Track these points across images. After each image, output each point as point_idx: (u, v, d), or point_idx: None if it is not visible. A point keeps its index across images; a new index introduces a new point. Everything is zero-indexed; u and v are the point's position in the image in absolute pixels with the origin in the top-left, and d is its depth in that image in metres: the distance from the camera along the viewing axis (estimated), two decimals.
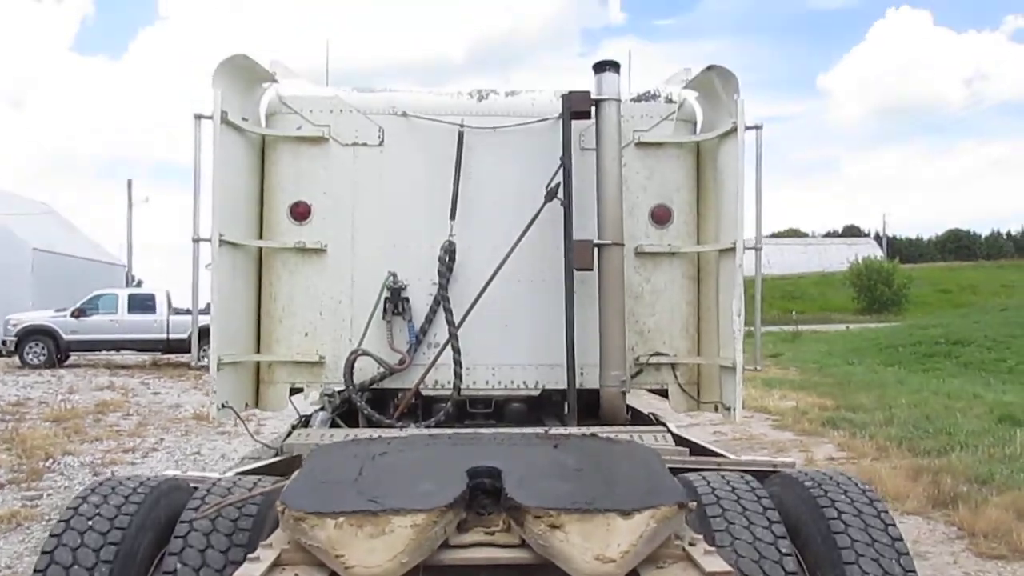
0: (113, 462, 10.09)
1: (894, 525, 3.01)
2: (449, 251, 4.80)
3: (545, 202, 4.76)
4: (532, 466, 2.81)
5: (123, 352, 24.87)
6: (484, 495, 2.65)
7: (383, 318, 4.84)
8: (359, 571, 2.28)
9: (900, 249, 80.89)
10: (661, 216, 5.03)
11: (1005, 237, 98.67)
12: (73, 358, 24.31)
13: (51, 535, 2.91)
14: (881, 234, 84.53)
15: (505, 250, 4.72)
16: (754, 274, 4.77)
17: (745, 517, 2.94)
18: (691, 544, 2.52)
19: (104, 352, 24.63)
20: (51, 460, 10.05)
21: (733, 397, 4.59)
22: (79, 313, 23.63)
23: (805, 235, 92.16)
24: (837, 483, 3.18)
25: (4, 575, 6.06)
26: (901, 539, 2.95)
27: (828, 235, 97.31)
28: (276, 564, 2.39)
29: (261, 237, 4.94)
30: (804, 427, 12.30)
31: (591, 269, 4.72)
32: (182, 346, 23.31)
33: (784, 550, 2.86)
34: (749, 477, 3.20)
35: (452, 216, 4.84)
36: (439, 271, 4.77)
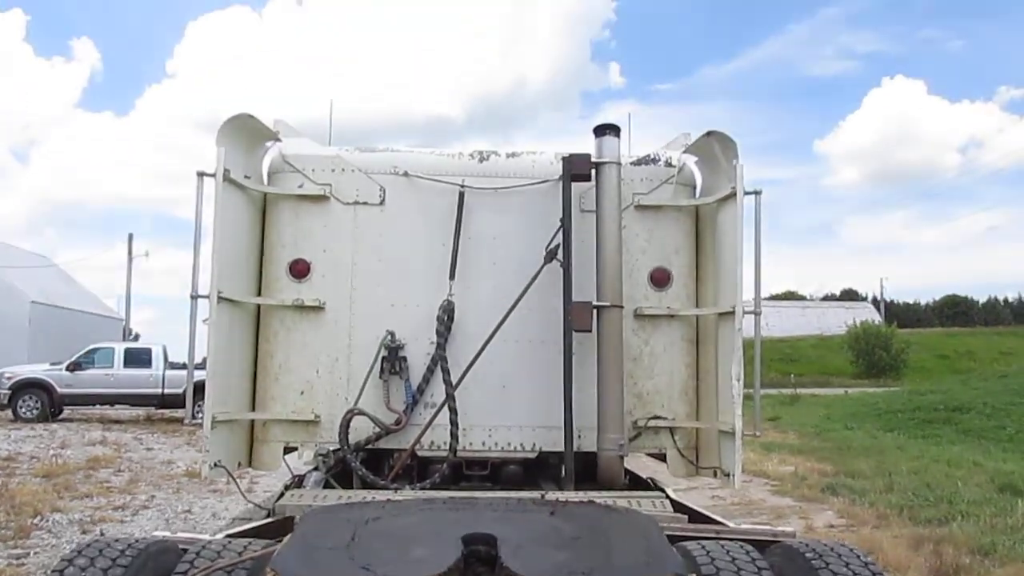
0: (103, 519, 9.90)
1: None
2: (448, 311, 4.80)
3: (544, 263, 4.78)
4: (529, 534, 2.77)
5: (117, 407, 24.69)
6: (479, 563, 2.60)
7: (380, 377, 4.81)
8: None
9: (897, 313, 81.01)
10: (660, 279, 5.05)
11: (1002, 303, 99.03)
12: (67, 412, 24.11)
13: None
14: (879, 298, 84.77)
15: (504, 311, 4.72)
16: (753, 337, 4.76)
17: None
18: None
19: (98, 406, 24.45)
20: (40, 517, 9.88)
21: (732, 463, 4.53)
22: (74, 367, 23.53)
23: (803, 298, 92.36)
24: (839, 555, 3.12)
25: None
26: None
27: (826, 298, 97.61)
28: None
29: (260, 294, 4.94)
30: (803, 493, 12.13)
31: (590, 331, 4.72)
32: (177, 401, 23.14)
33: None
34: (749, 547, 3.14)
35: (451, 276, 4.85)
36: (437, 330, 4.76)
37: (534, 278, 4.77)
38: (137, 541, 3.14)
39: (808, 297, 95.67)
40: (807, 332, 66.22)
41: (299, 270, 4.92)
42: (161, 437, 19.81)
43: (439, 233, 4.93)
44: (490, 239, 4.98)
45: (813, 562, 3.07)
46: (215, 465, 4.48)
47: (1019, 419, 21.00)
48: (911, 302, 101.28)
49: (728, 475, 4.64)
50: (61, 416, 23.61)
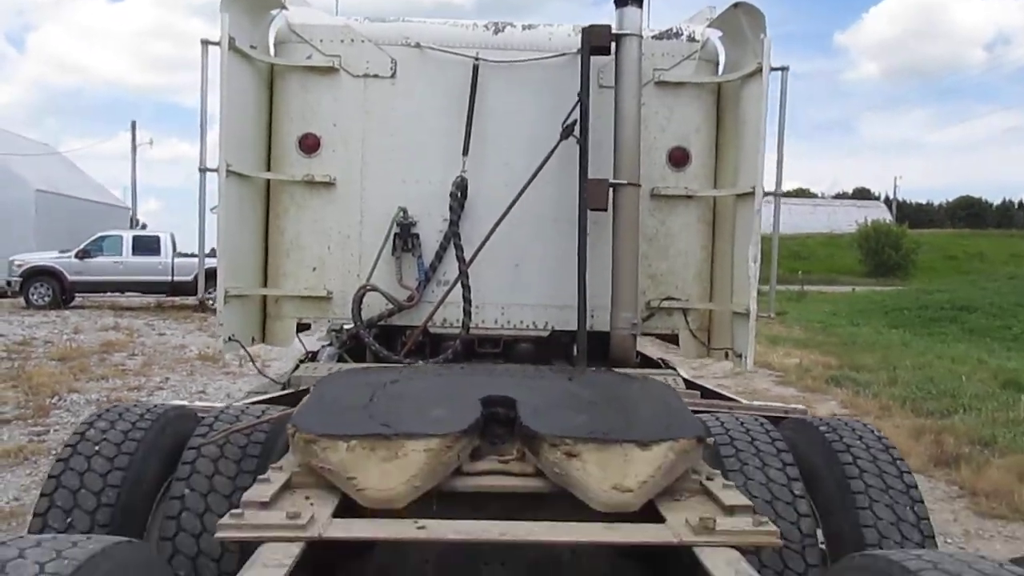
0: (119, 400, 10.10)
1: (909, 472, 2.97)
2: (461, 187, 4.70)
3: (560, 140, 4.64)
4: (547, 397, 2.76)
5: (128, 294, 24.93)
6: (497, 425, 2.60)
7: (392, 254, 4.76)
8: (372, 494, 2.24)
9: (910, 214, 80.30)
10: (679, 158, 4.92)
11: (1016, 207, 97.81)
12: (77, 300, 24.36)
13: (58, 460, 2.88)
14: (891, 198, 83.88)
15: (518, 188, 4.61)
16: (772, 219, 4.67)
17: (759, 458, 2.89)
18: (709, 479, 2.47)
19: (108, 294, 24.68)
20: (57, 397, 10.09)
21: (745, 344, 4.52)
22: (83, 255, 23.61)
23: (815, 196, 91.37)
24: (852, 429, 3.13)
25: (12, 507, 6.09)
26: (916, 486, 2.92)
27: (838, 196, 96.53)
28: (286, 486, 2.35)
29: (269, 170, 4.84)
30: (808, 384, 12.29)
31: (605, 209, 4.62)
32: (187, 288, 23.33)
33: (797, 492, 2.83)
34: (763, 419, 3.15)
35: (465, 152, 4.72)
36: (450, 207, 4.67)
37: (549, 155, 4.64)
38: (156, 407, 3.16)
39: (820, 195, 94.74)
40: (817, 230, 65.76)
41: (308, 145, 4.80)
42: (172, 323, 20.09)
43: (452, 108, 4.78)
44: (505, 114, 4.82)
45: (826, 435, 3.08)
46: (229, 339, 4.49)
47: None
48: (924, 203, 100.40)
49: (740, 356, 4.64)
50: (72, 304, 23.86)
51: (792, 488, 2.81)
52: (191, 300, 23.94)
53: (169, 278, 23.64)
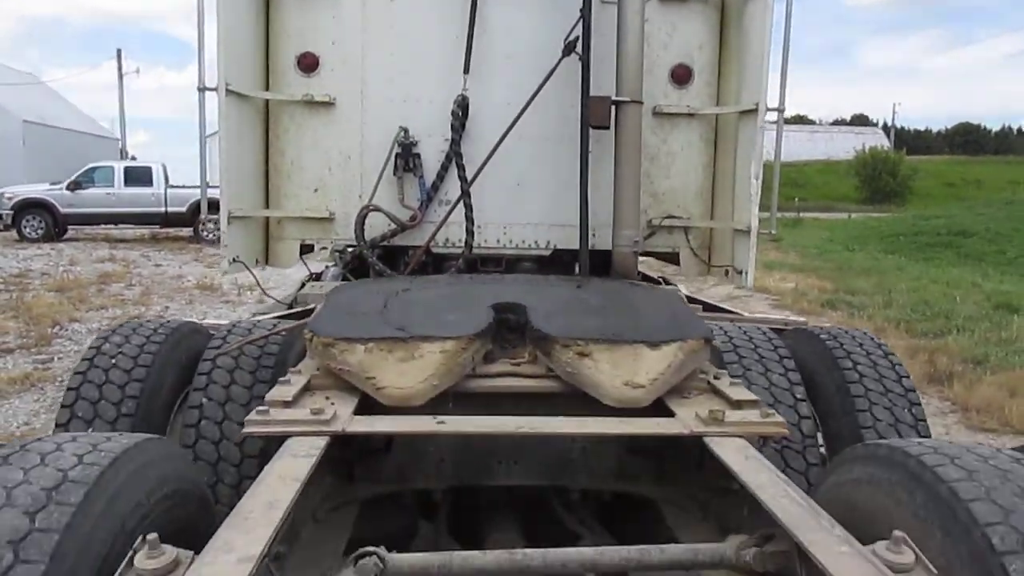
0: None
1: (908, 377, 3.04)
2: (462, 106, 4.65)
3: (562, 57, 4.57)
4: (556, 302, 2.81)
5: (121, 226, 24.80)
6: (507, 331, 2.65)
7: (394, 174, 4.74)
8: (391, 392, 2.30)
9: (907, 140, 79.66)
10: (681, 76, 4.87)
11: (1015, 133, 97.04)
12: (71, 232, 24.23)
13: (76, 372, 2.93)
14: (889, 124, 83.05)
15: (520, 106, 4.57)
16: (775, 139, 4.66)
17: (762, 364, 2.96)
18: (716, 378, 2.54)
19: (102, 226, 24.55)
20: (58, 327, 10.16)
21: (746, 261, 4.57)
22: (75, 186, 23.36)
23: (812, 122, 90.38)
24: (853, 337, 3.20)
25: (23, 431, 6.21)
26: (914, 390, 3.00)
27: (835, 123, 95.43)
28: (306, 388, 2.40)
29: (267, 89, 4.79)
30: (803, 307, 12.41)
31: (607, 127, 4.59)
32: (181, 220, 23.23)
33: (799, 395, 2.90)
34: (765, 328, 3.21)
35: (466, 70, 4.66)
36: (452, 126, 4.64)
37: (551, 72, 4.58)
38: (168, 322, 3.20)
39: (818, 122, 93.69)
40: (814, 157, 65.28)
41: (307, 64, 4.73)
42: (168, 254, 20.07)
43: (453, 25, 4.69)
44: (506, 32, 4.74)
45: (828, 343, 3.15)
46: (234, 260, 4.52)
47: (1020, 244, 21.18)
48: (922, 129, 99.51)
49: (740, 273, 4.69)
50: (66, 236, 23.75)
51: (794, 392, 2.89)
52: (185, 232, 23.91)
53: (162, 209, 23.47)
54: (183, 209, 23.11)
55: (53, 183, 24.00)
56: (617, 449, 2.45)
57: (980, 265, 19.07)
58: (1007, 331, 9.95)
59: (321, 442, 1.98)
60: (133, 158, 39.36)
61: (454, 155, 4.65)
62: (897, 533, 1.52)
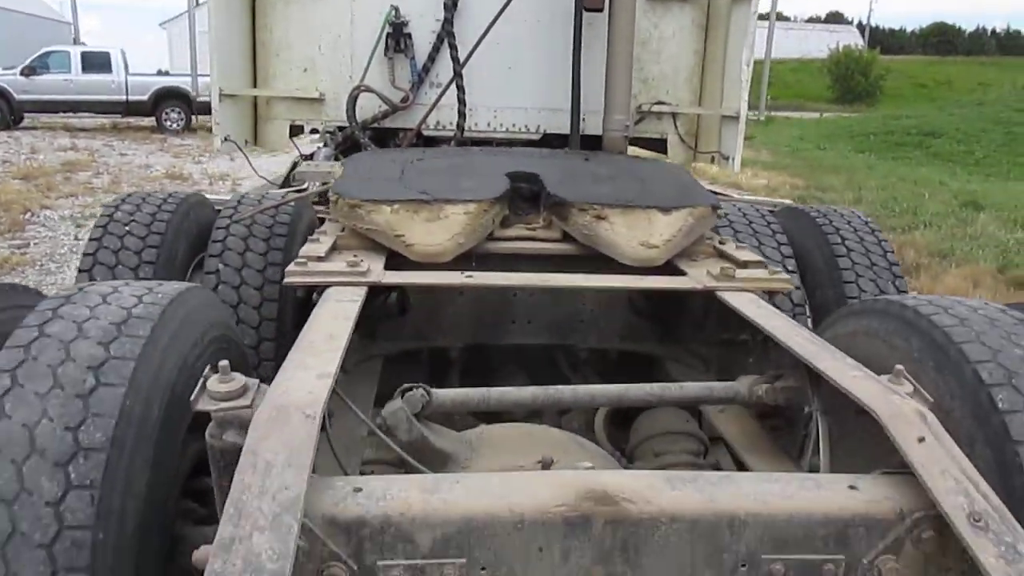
0: (93, 215, 10.03)
1: (892, 252, 3.21)
2: None
3: None
4: (568, 172, 2.89)
5: (80, 114, 23.93)
6: (521, 200, 2.74)
7: (385, 55, 4.68)
8: (421, 248, 2.39)
9: (882, 39, 78.74)
10: None
11: (989, 33, 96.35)
12: (27, 120, 23.34)
13: (91, 239, 2.96)
14: (864, 23, 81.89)
15: None
16: (768, 12, 4.67)
17: (755, 239, 3.10)
18: (721, 243, 2.67)
19: (60, 114, 23.66)
20: (30, 213, 10.00)
21: (734, 147, 4.65)
22: (29, 72, 22.32)
23: (787, 19, 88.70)
24: (841, 214, 3.33)
25: None
26: (898, 264, 3.16)
27: (810, 20, 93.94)
28: (333, 248, 2.48)
29: None
30: None
31: (601, 10, 4.55)
32: (142, 109, 22.41)
33: (790, 268, 3.06)
34: (758, 204, 3.34)
35: None
36: (444, 6, 4.56)
37: None
38: (175, 193, 3.23)
39: (792, 19, 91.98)
40: (787, 55, 64.39)
41: None
42: (132, 144, 19.53)
43: None
44: None
45: (817, 219, 3.28)
46: (225, 139, 4.49)
47: (988, 145, 21.46)
48: (897, 28, 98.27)
49: (728, 159, 4.77)
50: (22, 124, 22.89)
51: (785, 264, 3.04)
52: (147, 122, 23.16)
53: (123, 97, 22.60)
54: (145, 98, 22.30)
55: (5, 68, 22.93)
56: (624, 311, 2.59)
57: (948, 165, 19.36)
58: (972, 227, 10.26)
59: (361, 292, 2.07)
60: (84, 45, 37.62)
61: (446, 35, 4.60)
62: (898, 367, 1.68)
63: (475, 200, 2.46)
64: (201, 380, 1.51)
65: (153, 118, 22.75)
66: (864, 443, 1.71)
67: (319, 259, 2.29)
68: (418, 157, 3.02)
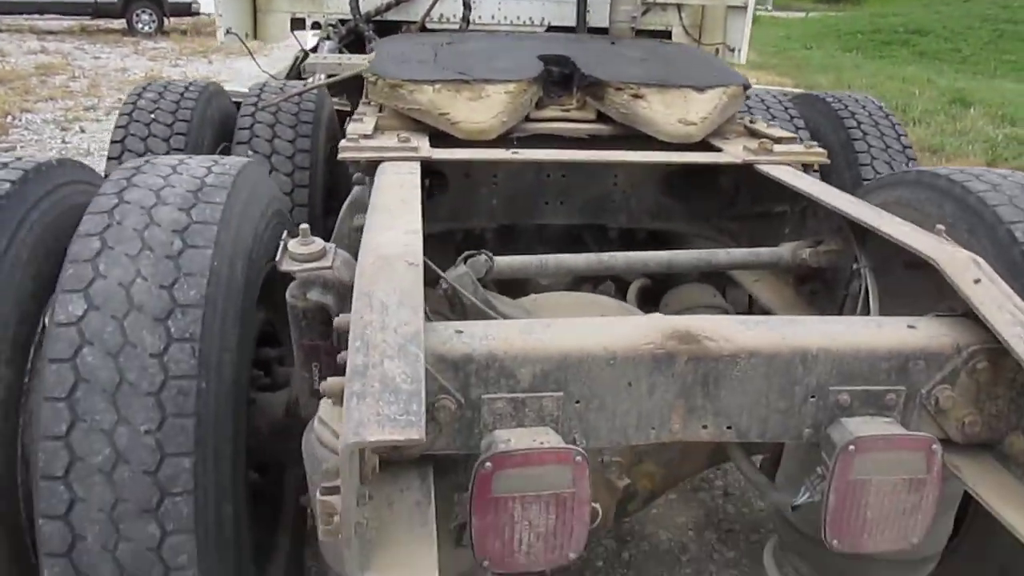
0: (77, 119, 9.86)
1: (906, 135, 3.27)
2: None
3: None
4: (600, 54, 2.90)
5: (47, 17, 22.98)
6: (552, 83, 2.76)
7: None
8: (466, 126, 2.42)
9: None
10: None
11: None
12: None
13: (117, 127, 2.96)
14: None
15: None
16: None
17: (775, 123, 3.14)
18: (752, 122, 2.72)
19: (25, 16, 22.70)
20: (11, 117, 9.76)
21: (740, 38, 4.63)
22: None
23: None
24: (856, 99, 3.38)
25: None
26: (911, 147, 3.24)
27: None
28: (376, 128, 2.51)
29: None
30: None
31: None
32: (112, 11, 21.51)
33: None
34: (775, 91, 3.37)
35: None
36: None
37: None
38: (195, 82, 3.21)
39: None
40: None
41: None
42: (105, 47, 18.87)
43: None
44: None
45: (833, 105, 3.33)
46: (227, 32, 4.41)
47: (975, 42, 21.26)
48: None
49: (733, 50, 4.76)
50: None
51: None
52: (117, 24, 22.29)
53: None
54: (115, 0, 21.42)
55: None
56: (654, 191, 2.66)
57: (935, 63, 19.22)
58: (961, 123, 10.33)
59: (415, 167, 2.12)
60: None
61: None
62: (939, 226, 1.78)
63: (514, 80, 2.48)
64: (282, 244, 1.58)
65: (123, 20, 21.92)
66: (908, 296, 1.82)
67: (366, 137, 2.32)
68: (447, 41, 3.01)
